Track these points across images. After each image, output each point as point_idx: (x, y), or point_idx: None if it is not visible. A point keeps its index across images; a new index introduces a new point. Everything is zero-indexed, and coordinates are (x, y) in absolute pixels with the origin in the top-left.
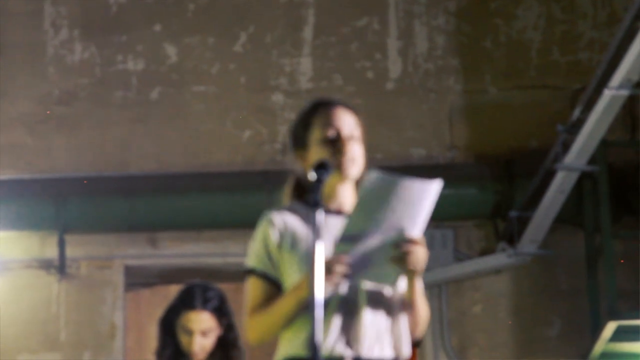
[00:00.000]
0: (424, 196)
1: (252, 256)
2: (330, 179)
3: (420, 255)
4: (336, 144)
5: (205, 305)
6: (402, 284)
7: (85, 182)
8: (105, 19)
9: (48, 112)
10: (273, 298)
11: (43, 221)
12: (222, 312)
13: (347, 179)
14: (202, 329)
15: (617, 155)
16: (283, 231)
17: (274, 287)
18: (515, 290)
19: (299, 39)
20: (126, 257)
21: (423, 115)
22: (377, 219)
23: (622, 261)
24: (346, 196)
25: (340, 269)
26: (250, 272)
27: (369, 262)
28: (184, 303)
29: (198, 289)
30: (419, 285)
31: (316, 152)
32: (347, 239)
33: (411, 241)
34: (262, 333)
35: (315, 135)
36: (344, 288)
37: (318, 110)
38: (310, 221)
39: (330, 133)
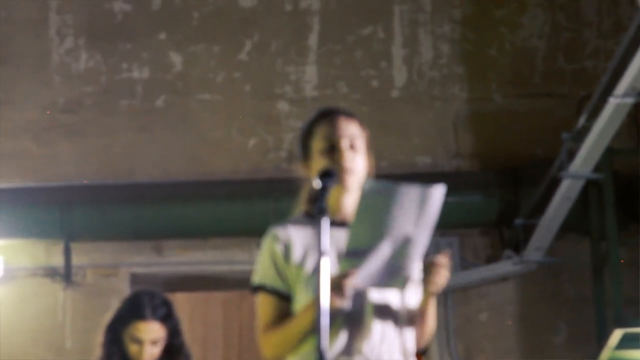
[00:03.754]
0: (425, 202)
1: (260, 272)
2: (332, 190)
3: (443, 279)
4: (334, 155)
5: (154, 314)
6: (411, 298)
7: (91, 198)
8: (110, 27)
9: (48, 112)
10: (285, 313)
11: (49, 229)
12: (169, 320)
13: (346, 190)
14: (152, 338)
15: (622, 162)
16: (288, 245)
17: (284, 302)
18: (521, 298)
19: (304, 47)
20: (132, 265)
21: (428, 123)
22: (380, 230)
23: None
24: (350, 207)
25: (350, 285)
26: (260, 288)
27: (378, 272)
28: (133, 313)
29: (146, 298)
30: (434, 300)
31: (317, 162)
32: (352, 255)
33: (436, 265)
34: (278, 351)
35: (316, 145)
36: (351, 299)
37: (320, 120)
38: (315, 233)
39: (329, 143)
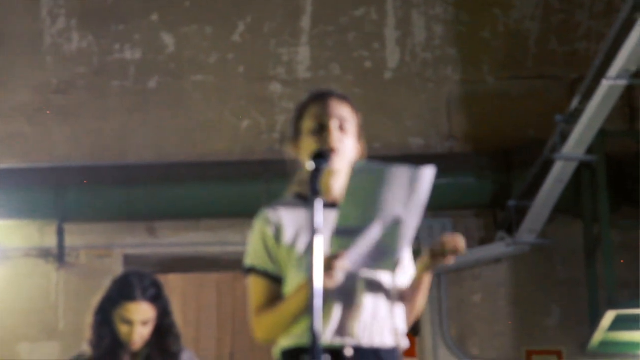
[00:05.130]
0: (415, 183)
1: (251, 254)
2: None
3: (454, 256)
4: (322, 134)
5: (144, 295)
6: (401, 278)
7: (84, 180)
8: (102, 9)
9: (44, 106)
10: (276, 295)
11: (42, 210)
12: (159, 300)
13: (333, 171)
14: (142, 319)
15: (615, 145)
16: (279, 227)
17: (275, 284)
18: (514, 280)
19: (297, 29)
20: (125, 246)
21: (421, 105)
22: (369, 210)
23: (621, 260)
24: (339, 189)
25: (340, 265)
26: (251, 270)
27: (369, 253)
28: (123, 294)
29: (135, 279)
30: (430, 275)
31: (306, 142)
32: (341, 233)
33: (456, 242)
34: (270, 333)
35: (306, 125)
36: (342, 278)
37: (312, 102)
38: (307, 214)
39: (318, 123)
